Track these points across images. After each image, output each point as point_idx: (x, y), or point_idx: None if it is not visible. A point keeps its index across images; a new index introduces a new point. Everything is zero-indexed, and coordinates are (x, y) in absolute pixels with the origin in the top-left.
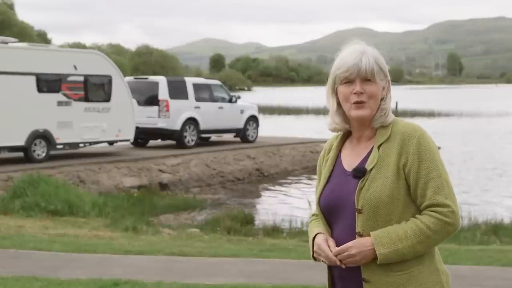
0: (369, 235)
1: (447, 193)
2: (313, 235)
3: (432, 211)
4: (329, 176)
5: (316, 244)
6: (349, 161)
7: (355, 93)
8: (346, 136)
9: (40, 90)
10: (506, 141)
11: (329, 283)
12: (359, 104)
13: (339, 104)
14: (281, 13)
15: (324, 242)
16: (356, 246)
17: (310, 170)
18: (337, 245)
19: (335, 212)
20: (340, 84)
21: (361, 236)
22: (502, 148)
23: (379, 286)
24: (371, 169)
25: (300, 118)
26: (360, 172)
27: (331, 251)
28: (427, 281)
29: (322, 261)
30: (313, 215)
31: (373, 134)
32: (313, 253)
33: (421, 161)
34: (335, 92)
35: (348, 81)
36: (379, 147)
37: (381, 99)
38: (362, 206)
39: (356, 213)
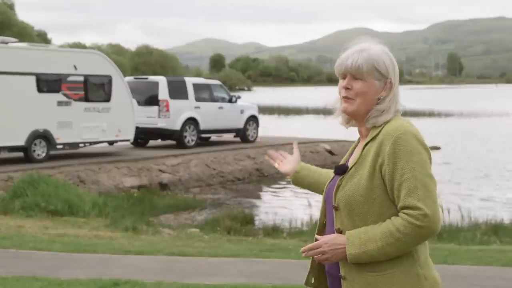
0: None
1: (421, 195)
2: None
3: (403, 213)
4: None
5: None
6: (351, 159)
7: (343, 88)
8: None
9: (40, 90)
10: (505, 142)
11: (319, 278)
12: (345, 98)
13: None
14: (281, 13)
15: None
16: (330, 243)
17: None
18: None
19: (326, 205)
20: (340, 79)
21: (340, 232)
22: (501, 149)
23: (354, 284)
24: (352, 167)
25: (300, 118)
26: (340, 170)
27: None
28: (403, 285)
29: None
30: None
31: (368, 132)
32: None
33: (396, 162)
34: None
35: (342, 76)
36: (365, 145)
37: (379, 99)
38: (337, 203)
39: (333, 209)
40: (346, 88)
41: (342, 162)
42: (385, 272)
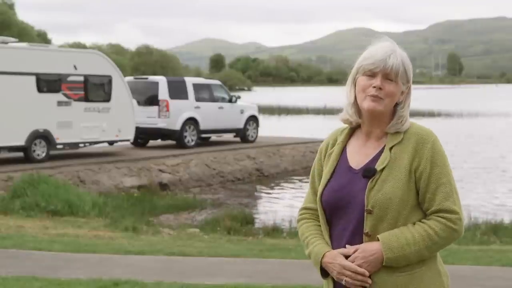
0: (376, 236)
1: (456, 200)
2: (319, 253)
3: (440, 216)
4: (333, 172)
5: (338, 265)
6: (357, 160)
7: (374, 87)
8: (352, 132)
9: (40, 90)
10: (505, 142)
11: (329, 280)
12: (375, 97)
13: (356, 96)
14: (281, 13)
15: (344, 260)
16: (361, 256)
17: (310, 170)
18: (341, 243)
19: (339, 211)
20: (362, 75)
21: (369, 236)
22: (501, 149)
23: (383, 286)
24: (382, 169)
25: (300, 118)
26: (370, 172)
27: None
28: (429, 282)
29: (345, 280)
30: (302, 209)
31: (383, 134)
32: (321, 270)
33: (433, 166)
34: (354, 82)
35: (371, 74)
36: (391, 148)
37: (398, 104)
38: (372, 206)
39: (365, 213)
40: (379, 88)
41: (332, 161)
42: (414, 271)
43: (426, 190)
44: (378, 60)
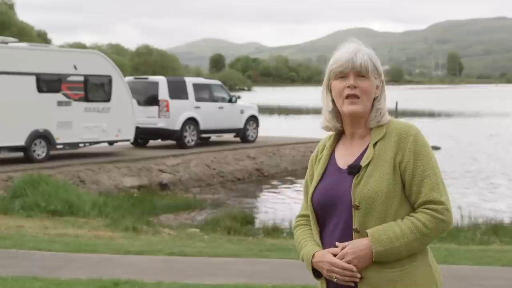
0: (365, 232)
1: (442, 191)
2: (309, 253)
3: (427, 208)
4: (323, 174)
5: (326, 263)
6: (344, 160)
7: (348, 87)
8: (339, 136)
9: (40, 90)
10: (505, 142)
11: (322, 281)
12: (352, 99)
13: (333, 102)
14: (281, 13)
15: (332, 257)
16: (351, 252)
17: None
18: (332, 242)
19: (329, 210)
20: (334, 79)
21: (358, 232)
22: (501, 149)
23: (373, 283)
24: (367, 165)
25: (300, 118)
26: (354, 169)
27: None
28: (421, 278)
29: (335, 277)
30: (298, 217)
31: (367, 132)
32: (313, 270)
33: (417, 159)
34: (329, 89)
35: (342, 76)
36: (374, 144)
37: (375, 99)
38: (359, 202)
39: (353, 209)
40: (354, 87)
41: (321, 164)
42: (405, 267)
43: (412, 183)
44: (346, 60)
